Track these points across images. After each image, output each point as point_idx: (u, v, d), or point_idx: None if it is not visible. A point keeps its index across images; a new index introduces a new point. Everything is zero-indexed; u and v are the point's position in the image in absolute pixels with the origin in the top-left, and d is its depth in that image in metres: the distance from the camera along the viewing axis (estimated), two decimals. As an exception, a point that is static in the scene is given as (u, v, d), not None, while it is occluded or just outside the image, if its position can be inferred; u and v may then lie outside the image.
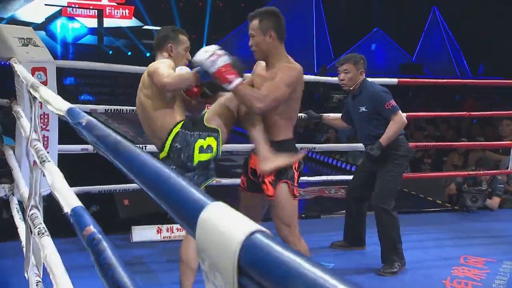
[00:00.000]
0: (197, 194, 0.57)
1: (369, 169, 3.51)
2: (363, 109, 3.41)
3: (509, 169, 4.78)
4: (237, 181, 4.26)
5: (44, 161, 1.57)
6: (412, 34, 18.47)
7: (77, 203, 1.15)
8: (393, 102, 3.32)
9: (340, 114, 3.78)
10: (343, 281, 0.39)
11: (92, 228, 0.99)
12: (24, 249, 2.11)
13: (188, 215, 0.55)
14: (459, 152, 6.68)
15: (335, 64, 3.63)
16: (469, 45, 16.98)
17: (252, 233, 0.45)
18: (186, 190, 0.58)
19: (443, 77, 13.38)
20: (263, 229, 0.47)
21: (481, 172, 4.78)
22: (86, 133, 1.04)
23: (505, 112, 5.49)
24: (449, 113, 6.08)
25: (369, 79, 3.56)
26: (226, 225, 0.48)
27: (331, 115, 3.91)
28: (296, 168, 2.60)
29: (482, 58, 17.11)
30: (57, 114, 1.32)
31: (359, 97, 3.45)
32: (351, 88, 3.46)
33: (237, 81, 2.38)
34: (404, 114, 3.41)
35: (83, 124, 1.06)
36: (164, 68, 2.48)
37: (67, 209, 1.15)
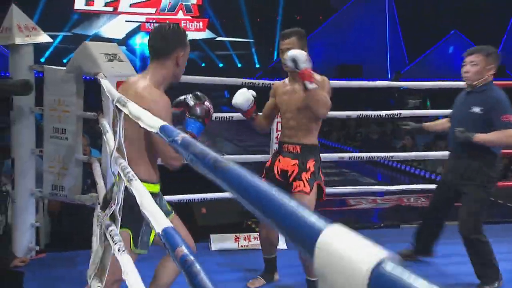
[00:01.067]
0: (312, 216, 0.56)
1: (452, 181, 3.23)
2: (476, 110, 3.04)
3: None
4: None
5: (131, 179, 1.58)
6: (493, 35, 17.64)
7: (167, 223, 1.18)
8: (511, 117, 2.96)
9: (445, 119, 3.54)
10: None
11: (184, 249, 1.01)
12: (93, 255, 2.15)
13: (305, 239, 0.54)
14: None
15: (462, 54, 3.23)
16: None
17: (382, 260, 0.44)
18: (300, 213, 0.57)
19: (528, 79, 12.65)
20: (393, 255, 0.45)
21: None
22: (182, 151, 1.06)
23: None
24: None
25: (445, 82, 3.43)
26: (349, 250, 0.47)
27: (434, 122, 3.66)
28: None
29: None
30: (151, 131, 1.36)
31: (477, 95, 3.08)
32: (474, 83, 3.07)
33: (315, 85, 2.76)
34: None
35: (179, 142, 1.08)
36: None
37: (158, 229, 1.18)
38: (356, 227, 3.29)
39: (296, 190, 2.86)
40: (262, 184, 0.68)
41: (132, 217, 2.01)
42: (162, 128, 1.32)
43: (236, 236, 3.88)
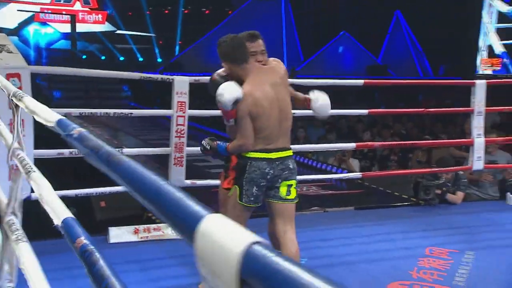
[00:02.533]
0: (194, 206, 0.59)
1: None
2: None
3: (469, 165, 4.92)
4: (213, 182, 4.29)
5: (29, 171, 1.55)
6: (377, 37, 18.76)
7: (67, 214, 1.15)
8: None
9: None
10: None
11: (83, 239, 1.00)
12: None
13: (187, 226, 0.57)
14: (423, 149, 6.83)
15: None
16: (431, 47, 17.34)
17: (251, 244, 0.48)
18: (183, 202, 0.60)
19: (406, 78, 13.63)
20: (262, 239, 0.50)
21: (443, 169, 4.91)
22: (78, 145, 1.04)
23: (458, 109, 5.67)
24: (408, 110, 6.22)
25: (338, 81, 3.41)
26: (225, 236, 0.51)
27: None
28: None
29: (443, 60, 17.50)
30: (47, 125, 1.32)
31: None
32: None
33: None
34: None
35: (75, 136, 1.07)
36: None
37: (57, 221, 1.16)
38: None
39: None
40: (151, 176, 0.70)
41: (240, 177, 2.62)
42: (58, 122, 1.30)
43: (136, 228, 3.82)
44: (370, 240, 3.93)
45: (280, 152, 2.68)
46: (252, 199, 2.66)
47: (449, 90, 13.45)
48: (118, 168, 0.80)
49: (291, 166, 2.70)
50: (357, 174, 4.93)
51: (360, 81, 4.77)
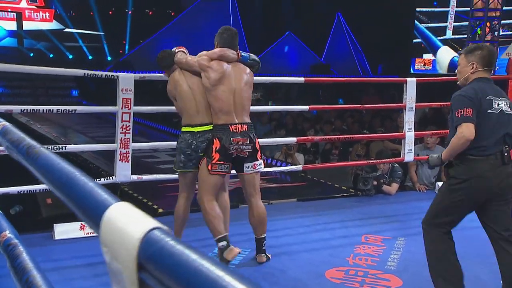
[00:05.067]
0: (103, 194, 0.57)
1: None
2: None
3: (402, 157, 5.08)
4: (159, 177, 4.23)
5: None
6: (320, 37, 19.05)
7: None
8: (465, 111, 2.55)
9: None
10: (228, 272, 0.42)
11: (7, 233, 0.96)
12: None
13: (93, 214, 0.55)
14: (362, 143, 7.01)
15: None
16: (370, 48, 17.79)
17: (150, 230, 0.47)
18: (92, 191, 0.58)
19: (347, 76, 13.93)
20: (161, 225, 0.49)
21: (379, 160, 5.06)
22: (1, 139, 1.00)
23: (393, 104, 5.86)
24: (346, 106, 6.36)
25: (280, 78, 3.47)
26: (127, 223, 0.50)
27: None
28: (216, 148, 3.11)
29: (381, 59, 18.00)
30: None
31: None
32: (459, 83, 2.77)
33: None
34: (468, 129, 2.52)
35: (-2, 130, 1.02)
36: None
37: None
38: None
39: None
40: (66, 167, 0.67)
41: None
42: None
43: (82, 224, 3.71)
44: (310, 230, 4.00)
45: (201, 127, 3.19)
46: (182, 165, 3.23)
47: (389, 88, 13.88)
48: (35, 161, 0.77)
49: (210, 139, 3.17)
50: (299, 167, 4.99)
51: (301, 79, 4.84)
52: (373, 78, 9.48)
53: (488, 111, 2.60)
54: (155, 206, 4.43)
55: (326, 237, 3.81)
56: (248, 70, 3.27)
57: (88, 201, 0.57)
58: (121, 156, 3.90)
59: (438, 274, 2.62)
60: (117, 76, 3.85)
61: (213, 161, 3.11)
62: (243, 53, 3.28)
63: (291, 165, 5.99)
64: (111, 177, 3.95)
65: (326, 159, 7.44)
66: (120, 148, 3.89)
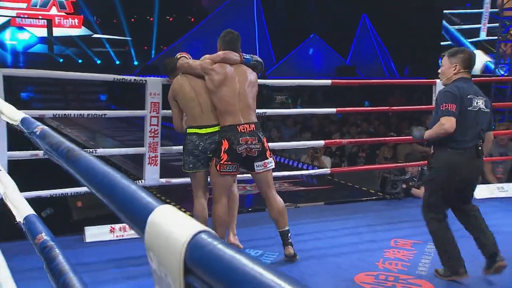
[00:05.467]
0: (146, 197, 0.57)
1: None
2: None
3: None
4: (188, 180, 4.25)
5: (-4, 170, 1.51)
6: (345, 39, 18.94)
7: (30, 211, 1.12)
8: (449, 106, 2.82)
9: None
10: (279, 275, 0.41)
11: (43, 235, 0.97)
12: None
13: (137, 218, 0.55)
14: (389, 145, 6.92)
15: None
16: (396, 49, 17.58)
17: (197, 234, 0.47)
18: (135, 194, 0.58)
19: (373, 78, 13.79)
20: (208, 229, 0.48)
21: (408, 163, 4.98)
22: (40, 142, 1.01)
23: (423, 106, 5.76)
24: (375, 108, 6.26)
25: (307, 80, 3.46)
26: (172, 226, 0.49)
27: None
28: (225, 149, 3.14)
29: (408, 61, 17.77)
30: (11, 124, 1.28)
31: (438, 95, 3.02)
32: (442, 82, 3.05)
33: None
34: (449, 122, 2.81)
35: (37, 133, 1.03)
36: None
37: (19, 218, 1.12)
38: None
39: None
40: (107, 170, 0.68)
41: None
42: (22, 121, 1.27)
43: (111, 227, 3.76)
44: (338, 233, 3.95)
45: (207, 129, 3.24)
46: (191, 166, 3.30)
47: (416, 90, 13.68)
48: (76, 164, 0.78)
49: (217, 140, 3.21)
50: (326, 170, 4.95)
51: (328, 81, 4.79)
52: (402, 80, 9.35)
53: (469, 108, 2.88)
54: (183, 210, 4.46)
55: (355, 241, 3.76)
56: (251, 70, 3.33)
57: (131, 205, 0.57)
58: (150, 159, 3.93)
59: (441, 250, 3.02)
60: (146, 81, 3.89)
61: (221, 162, 3.16)
62: (245, 55, 3.32)
63: (317, 168, 5.95)
64: (140, 181, 3.98)
65: (353, 162, 7.37)
66: (148, 152, 3.92)
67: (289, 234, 3.31)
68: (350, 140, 5.06)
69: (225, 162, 3.16)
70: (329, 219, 4.31)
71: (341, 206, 4.83)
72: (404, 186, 4.93)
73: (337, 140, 6.34)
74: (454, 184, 2.95)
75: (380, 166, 6.06)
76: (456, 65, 2.94)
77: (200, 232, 0.47)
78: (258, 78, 3.47)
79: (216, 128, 3.23)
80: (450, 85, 2.94)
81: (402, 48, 16.91)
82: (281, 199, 3.35)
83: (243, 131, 3.16)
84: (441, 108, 2.84)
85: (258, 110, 4.18)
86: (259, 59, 3.40)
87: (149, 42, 19.70)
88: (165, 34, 18.92)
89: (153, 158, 3.94)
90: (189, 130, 3.29)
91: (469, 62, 2.98)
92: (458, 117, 2.83)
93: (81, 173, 0.76)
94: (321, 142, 5.00)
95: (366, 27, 19.14)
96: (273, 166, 3.33)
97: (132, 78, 3.98)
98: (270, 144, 6.10)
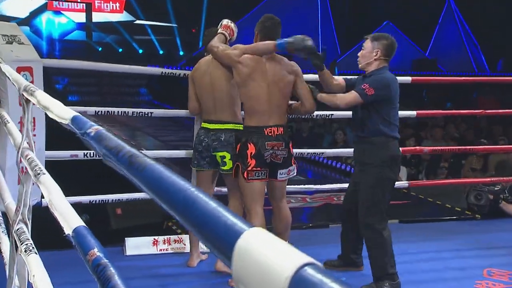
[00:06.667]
0: (231, 218, 0.56)
1: (354, 177, 3.44)
2: None
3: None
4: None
5: (38, 174, 1.55)
6: (425, 27, 18.52)
7: (79, 222, 1.14)
8: (367, 88, 3.07)
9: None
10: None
11: (96, 252, 0.98)
12: (7, 267, 2.08)
13: (222, 243, 0.54)
14: (478, 154, 6.68)
15: None
16: (488, 39, 17.01)
17: (301, 267, 0.45)
18: (219, 214, 0.57)
19: (459, 74, 13.39)
20: (314, 261, 0.46)
21: (501, 178, 4.77)
22: (95, 144, 1.03)
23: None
24: (463, 111, 6.01)
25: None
26: (269, 255, 0.48)
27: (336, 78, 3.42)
28: (252, 154, 3.12)
29: (502, 53, 17.15)
30: (61, 122, 1.31)
31: (362, 80, 3.21)
32: (360, 66, 3.25)
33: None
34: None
35: (92, 134, 1.05)
36: None
37: (68, 230, 1.15)
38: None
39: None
40: (180, 182, 0.67)
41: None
42: (73, 119, 1.30)
43: (154, 239, 3.82)
44: (417, 258, 3.86)
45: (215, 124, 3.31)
46: (196, 162, 3.43)
47: (507, 88, 13.17)
48: (141, 173, 0.78)
49: (222, 139, 3.28)
50: (404, 183, 4.82)
51: (407, 78, 4.65)
52: (494, 77, 8.97)
53: (397, 97, 3.20)
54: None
55: (438, 268, 3.65)
56: (289, 65, 3.24)
57: (213, 226, 0.56)
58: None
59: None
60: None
61: (249, 168, 3.14)
62: (279, 41, 3.14)
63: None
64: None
65: (433, 173, 7.17)
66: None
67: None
68: (433, 148, 4.90)
69: (253, 169, 3.14)
70: (405, 240, 4.19)
71: (419, 225, 4.71)
72: (491, 197, 4.73)
73: (417, 147, 6.17)
74: (397, 176, 3.16)
75: (466, 181, 5.84)
76: (378, 51, 3.17)
77: (306, 264, 0.45)
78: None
79: (225, 126, 3.30)
80: (386, 73, 3.18)
81: (494, 37, 16.32)
82: (289, 210, 3.43)
83: (270, 134, 3.14)
84: (362, 87, 3.09)
85: (321, 112, 4.11)
86: (292, 38, 3.08)
87: (197, 30, 19.97)
88: (215, 21, 19.16)
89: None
90: (202, 124, 3.44)
91: (391, 50, 3.23)
92: (392, 106, 3.18)
93: (147, 184, 0.76)
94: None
95: (451, 12, 18.63)
96: (295, 174, 3.36)
97: (182, 72, 4.01)
98: (332, 150, 6.06)
